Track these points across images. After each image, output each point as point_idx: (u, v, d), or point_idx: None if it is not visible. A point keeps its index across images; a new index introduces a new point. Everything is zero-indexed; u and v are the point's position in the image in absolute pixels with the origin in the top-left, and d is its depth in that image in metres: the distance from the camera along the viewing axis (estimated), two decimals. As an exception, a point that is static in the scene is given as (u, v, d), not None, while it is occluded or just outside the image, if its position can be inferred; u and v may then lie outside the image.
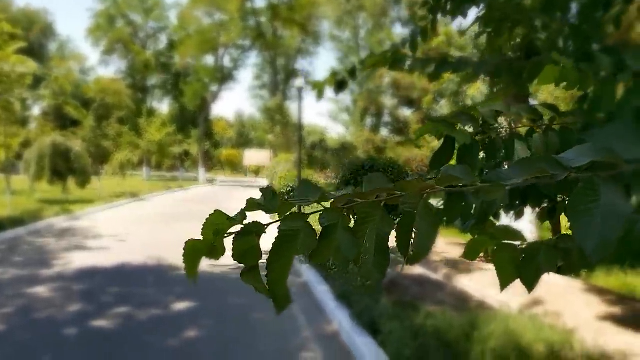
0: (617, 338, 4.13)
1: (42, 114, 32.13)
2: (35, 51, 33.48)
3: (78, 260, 7.37)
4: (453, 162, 1.03)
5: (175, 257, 7.63)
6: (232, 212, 0.67)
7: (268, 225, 0.63)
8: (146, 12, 42.81)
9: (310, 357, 3.89)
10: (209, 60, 42.79)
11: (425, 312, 4.30)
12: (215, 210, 0.65)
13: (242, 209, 0.64)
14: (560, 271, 0.88)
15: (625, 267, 6.52)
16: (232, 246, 0.65)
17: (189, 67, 42.80)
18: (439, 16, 1.97)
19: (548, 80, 0.98)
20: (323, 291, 5.39)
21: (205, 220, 0.65)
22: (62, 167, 16.19)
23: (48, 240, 9.45)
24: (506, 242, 0.81)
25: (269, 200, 0.63)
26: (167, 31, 44.22)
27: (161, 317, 4.81)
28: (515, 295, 5.53)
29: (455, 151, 1.05)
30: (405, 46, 1.99)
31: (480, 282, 6.36)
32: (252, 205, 0.64)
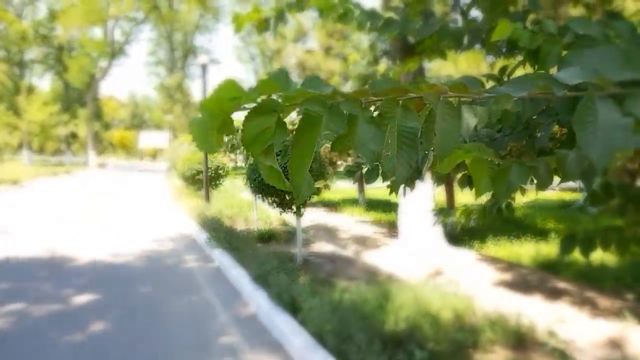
0: (510, 300, 4.60)
1: None
2: None
3: (-48, 256, 6.51)
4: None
5: (69, 249, 7.05)
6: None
7: (289, 105, 0.55)
8: (20, -24, 38.24)
9: (229, 342, 3.84)
10: (97, 33, 39.56)
11: (341, 287, 4.43)
12: (227, 79, 0.54)
13: (255, 88, 0.54)
14: (536, 186, 0.95)
15: (511, 237, 7.25)
16: (242, 127, 0.56)
17: (73, 40, 39.19)
18: None
19: (502, 34, 1.03)
20: (238, 275, 5.32)
21: (215, 90, 0.54)
22: None
23: None
24: (480, 156, 0.85)
25: (284, 81, 0.55)
26: (46, -1, 39.89)
27: (62, 312, 4.43)
28: (419, 267, 5.91)
29: None
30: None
31: (388, 257, 6.69)
32: (267, 85, 0.54)
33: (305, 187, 0.57)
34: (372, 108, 0.61)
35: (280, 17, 1.91)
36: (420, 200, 7.04)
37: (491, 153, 0.83)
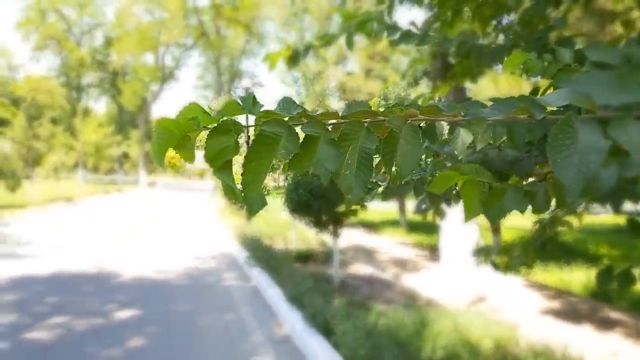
0: (558, 330, 4.35)
1: (-35, 113, 29.79)
2: (-44, 45, 31.00)
3: (9, 269, 6.85)
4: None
5: (116, 264, 7.28)
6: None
7: (249, 126, 0.60)
8: (81, 7, 40.76)
9: (263, 362, 3.81)
10: (149, 58, 41.47)
11: (377, 311, 4.33)
12: (191, 102, 0.60)
13: (220, 110, 0.60)
14: (533, 210, 0.90)
15: (561, 263, 6.91)
16: (205, 144, 0.60)
17: (127, 65, 41.22)
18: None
19: (514, 65, 0.99)
20: (273, 294, 5.31)
21: (179, 111, 0.60)
22: (-12, 170, 15.07)
23: (-28, 248, 8.74)
24: (474, 179, 0.82)
25: (250, 104, 0.61)
26: (103, 27, 42.31)
27: (103, 327, 4.55)
28: (461, 293, 5.71)
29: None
30: (360, 29, 1.97)
31: (428, 281, 6.51)
32: (233, 107, 0.60)
33: (258, 202, 0.62)
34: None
35: (308, 51, 1.95)
36: (462, 222, 6.84)
37: (488, 175, 0.79)
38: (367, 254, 8.64)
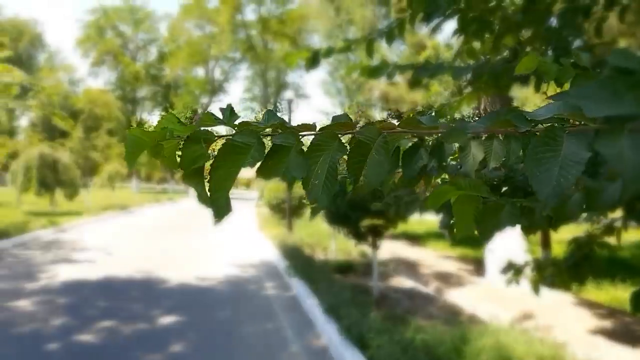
0: (609, 352, 4.11)
1: (31, 125, 31.81)
2: (24, 61, 33.26)
3: (64, 273, 7.23)
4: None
5: (162, 270, 7.52)
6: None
7: (220, 137, 0.63)
8: (136, 24, 42.83)
9: (299, 373, 3.82)
10: (200, 72, 42.83)
11: (415, 325, 4.25)
12: (168, 113, 0.67)
13: (198, 120, 0.64)
14: (522, 229, 0.87)
15: (615, 280, 6.54)
16: (180, 153, 0.64)
17: (179, 79, 42.77)
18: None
19: (527, 68, 0.96)
20: (312, 304, 5.32)
21: (157, 121, 0.64)
22: (49, 179, 15.97)
23: (34, 252, 9.28)
24: (470, 194, 0.79)
25: (228, 116, 0.64)
26: (157, 43, 44.25)
27: (147, 331, 4.71)
28: (507, 309, 5.51)
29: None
30: (382, 37, 1.97)
31: (472, 296, 6.33)
32: (209, 119, 0.63)
33: (223, 208, 0.64)
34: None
35: (327, 54, 1.97)
36: (510, 236, 6.62)
37: (486, 190, 0.77)
38: (410, 267, 8.50)
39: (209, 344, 4.42)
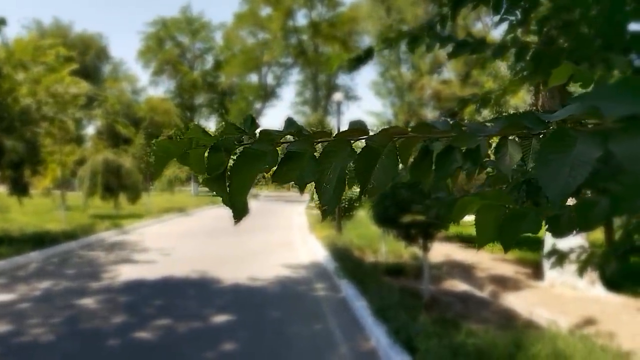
0: (679, 362, 3.82)
1: (97, 133, 33.75)
2: (90, 73, 35.34)
3: (125, 273, 7.61)
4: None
5: (217, 270, 7.74)
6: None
7: (238, 145, 0.68)
8: (193, 34, 44.42)
9: (346, 374, 3.82)
10: (253, 78, 43.80)
11: (466, 330, 4.13)
12: (194, 125, 0.70)
13: (221, 131, 0.69)
14: (553, 233, 0.83)
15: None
16: (206, 160, 0.70)
17: (234, 85, 43.94)
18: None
19: (561, 79, 0.92)
20: (361, 306, 5.30)
21: (183, 132, 0.70)
22: (113, 184, 16.86)
23: (98, 253, 9.83)
24: (493, 203, 0.78)
25: (249, 126, 0.69)
26: (213, 51, 45.65)
27: (200, 330, 4.86)
28: (566, 314, 5.25)
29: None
30: (423, 32, 1.93)
31: (529, 300, 6.07)
32: (231, 128, 0.68)
33: (242, 210, 0.68)
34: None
35: (368, 55, 1.95)
36: (572, 238, 6.29)
37: (508, 199, 0.75)
38: (463, 270, 8.27)
39: (259, 343, 4.50)
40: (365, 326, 4.84)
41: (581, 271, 1.95)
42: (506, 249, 0.77)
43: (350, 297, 5.88)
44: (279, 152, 0.67)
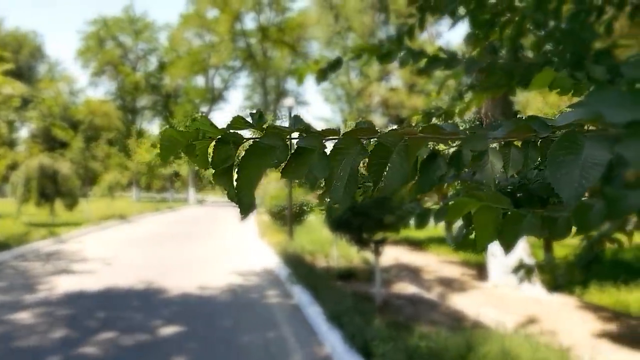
0: (614, 356, 4.06)
1: (31, 136, 31.86)
2: (24, 73, 33.36)
3: (64, 284, 7.19)
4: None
5: (162, 280, 7.47)
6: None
7: (247, 139, 0.67)
8: (136, 34, 43.02)
9: (302, 382, 3.77)
10: (200, 81, 43.00)
11: (419, 332, 4.20)
12: (202, 116, 0.68)
13: (228, 124, 0.67)
14: (547, 237, 0.85)
15: (618, 283, 6.49)
16: (212, 153, 0.68)
17: (179, 88, 42.90)
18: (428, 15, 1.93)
19: (542, 84, 0.94)
20: (314, 312, 5.28)
21: (191, 122, 0.68)
22: (49, 190, 15.94)
23: (33, 264, 9.23)
24: (490, 205, 0.78)
25: (257, 120, 0.67)
26: (157, 53, 44.42)
27: (148, 342, 4.66)
28: (510, 314, 5.46)
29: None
30: (392, 43, 1.94)
31: (475, 301, 6.28)
32: (239, 122, 0.66)
33: (249, 205, 0.68)
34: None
35: (335, 66, 1.94)
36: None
37: (507, 202, 0.76)
38: (412, 273, 8.45)
39: (210, 354, 4.37)
40: (320, 332, 4.82)
41: (549, 286, 2.03)
42: (506, 251, 0.78)
43: (304, 303, 5.84)
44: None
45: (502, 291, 6.77)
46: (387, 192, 0.64)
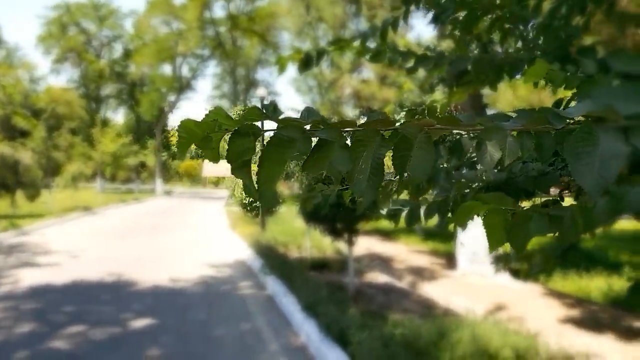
0: (578, 340, 4.25)
1: (-12, 125, 30.51)
2: (-21, 59, 31.87)
3: (28, 278, 6.96)
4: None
5: (133, 273, 7.33)
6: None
7: (266, 130, 0.66)
8: (100, 20, 41.62)
9: (278, 372, 3.79)
10: (167, 69, 41.98)
11: (393, 320, 4.28)
12: (216, 107, 0.66)
13: (243, 115, 0.65)
14: (556, 239, 0.88)
15: (580, 270, 6.77)
16: (227, 146, 0.66)
17: (145, 76, 41.83)
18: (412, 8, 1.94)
19: (536, 77, 0.97)
20: (288, 303, 5.30)
21: (205, 114, 0.65)
22: (10, 180, 15.35)
23: (-6, 257, 8.90)
24: (498, 207, 0.81)
25: (271, 110, 0.65)
26: (122, 40, 43.10)
27: (119, 336, 4.58)
28: (479, 301, 5.63)
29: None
30: (374, 35, 1.95)
31: (445, 289, 6.43)
32: (254, 113, 0.64)
33: (271, 200, 0.66)
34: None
35: (320, 56, 1.94)
36: (480, 230, 6.75)
37: (511, 202, 0.78)
38: (383, 262, 8.58)
39: (185, 347, 4.34)
40: (295, 322, 4.84)
41: (527, 275, 2.10)
42: (518, 252, 0.80)
43: (278, 294, 5.85)
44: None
45: (471, 279, 6.96)
46: (412, 183, 0.65)
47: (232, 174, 0.65)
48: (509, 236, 0.81)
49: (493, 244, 0.83)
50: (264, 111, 0.64)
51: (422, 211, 1.40)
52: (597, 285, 6.11)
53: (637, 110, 0.52)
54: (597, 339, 4.34)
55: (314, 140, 0.65)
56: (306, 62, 1.92)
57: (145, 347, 4.26)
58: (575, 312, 5.22)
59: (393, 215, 1.49)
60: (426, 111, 2.31)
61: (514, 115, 0.82)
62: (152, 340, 4.45)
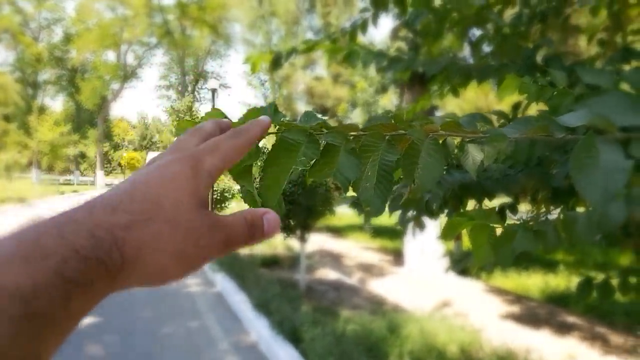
0: (518, 334, 4.47)
1: None
2: None
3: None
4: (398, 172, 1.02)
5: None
6: None
7: (271, 133, 0.60)
8: (38, 1, 39.28)
9: (228, 370, 3.74)
10: (110, 56, 40.36)
11: (344, 317, 4.33)
12: (215, 108, 0.61)
13: (243, 116, 0.60)
14: (543, 248, 0.91)
15: (519, 268, 7.12)
16: None
17: (87, 62, 39.98)
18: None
19: (509, 90, 1.00)
20: (239, 300, 5.23)
21: (204, 114, 0.61)
22: None
23: None
24: (483, 223, 0.82)
25: (272, 113, 0.60)
26: (63, 23, 40.91)
27: (59, 336, 4.35)
28: (426, 297, 5.79)
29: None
30: (344, 36, 1.96)
31: (393, 285, 6.58)
32: (254, 114, 0.59)
33: (276, 207, 0.60)
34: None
35: (289, 56, 1.92)
36: (427, 228, 6.94)
37: (496, 218, 0.80)
38: (333, 259, 8.65)
39: (130, 346, 4.18)
40: (245, 320, 4.79)
41: (466, 271, 2.17)
42: (504, 266, 0.81)
43: (227, 291, 5.76)
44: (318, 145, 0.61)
45: (418, 276, 7.15)
46: (420, 191, 0.63)
47: (234, 180, 0.60)
48: (495, 251, 0.83)
49: (479, 259, 0.84)
50: (266, 112, 0.60)
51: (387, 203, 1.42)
52: (535, 282, 6.45)
53: (633, 121, 0.54)
54: (536, 333, 4.58)
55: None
56: (276, 62, 1.90)
57: (87, 346, 4.07)
58: (515, 308, 5.49)
59: (356, 204, 1.50)
60: (394, 118, 2.35)
61: (464, 117, 0.84)
62: (95, 339, 4.26)
